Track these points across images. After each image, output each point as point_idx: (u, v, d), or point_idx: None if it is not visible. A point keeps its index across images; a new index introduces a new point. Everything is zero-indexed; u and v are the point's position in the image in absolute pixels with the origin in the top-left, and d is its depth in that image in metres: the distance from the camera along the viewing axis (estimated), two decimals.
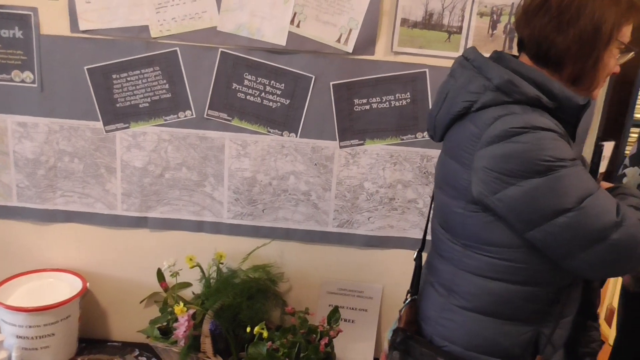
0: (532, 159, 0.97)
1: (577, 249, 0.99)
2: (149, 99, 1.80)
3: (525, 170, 0.98)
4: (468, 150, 1.05)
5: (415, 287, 1.31)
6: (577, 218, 0.97)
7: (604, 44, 1.03)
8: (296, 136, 1.81)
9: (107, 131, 1.83)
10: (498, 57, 1.12)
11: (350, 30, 1.72)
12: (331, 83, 1.76)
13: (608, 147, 1.15)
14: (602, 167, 1.15)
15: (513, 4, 1.68)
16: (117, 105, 1.80)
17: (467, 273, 1.11)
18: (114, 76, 1.78)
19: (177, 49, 1.75)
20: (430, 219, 1.30)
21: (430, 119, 1.20)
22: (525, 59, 1.10)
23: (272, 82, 1.77)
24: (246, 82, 1.77)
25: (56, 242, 1.94)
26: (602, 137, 1.33)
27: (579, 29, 1.01)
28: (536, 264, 1.05)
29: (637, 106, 2.05)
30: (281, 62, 1.75)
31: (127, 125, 1.82)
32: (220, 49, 1.74)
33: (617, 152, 1.66)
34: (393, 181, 1.85)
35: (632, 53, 1.08)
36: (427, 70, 1.75)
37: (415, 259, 1.33)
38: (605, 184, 1.16)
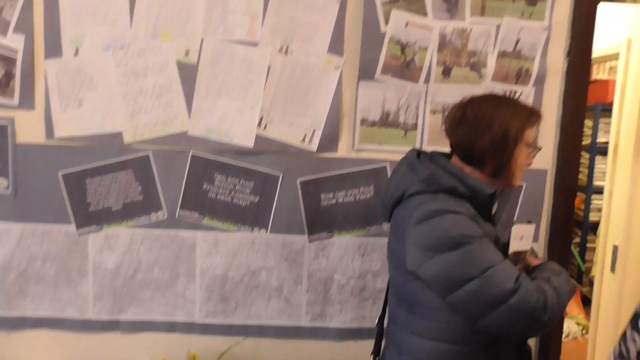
0: (445, 236, 1.22)
1: (485, 311, 1.20)
2: (121, 202, 1.85)
3: (441, 246, 1.22)
4: (403, 229, 1.31)
5: (377, 349, 1.55)
6: (482, 285, 1.19)
7: (513, 145, 1.30)
8: (266, 232, 1.86)
9: (80, 234, 1.86)
10: (431, 156, 1.42)
11: (314, 130, 1.83)
12: (298, 180, 1.85)
13: (521, 228, 1.34)
14: (516, 247, 1.34)
15: None
16: (90, 208, 1.85)
17: (411, 334, 1.33)
18: (87, 180, 1.84)
19: (150, 153, 1.83)
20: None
21: (382, 204, 1.46)
22: (456, 157, 1.39)
23: (242, 181, 1.85)
24: (217, 182, 1.84)
25: (24, 351, 1.89)
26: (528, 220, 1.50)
27: (491, 135, 1.29)
28: (460, 324, 1.26)
29: None
30: (250, 162, 1.84)
31: (100, 227, 1.86)
32: (191, 152, 1.83)
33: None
34: (362, 271, 1.89)
35: (538, 150, 1.38)
36: (387, 164, 1.85)
37: (377, 324, 1.56)
38: (535, 261, 1.39)
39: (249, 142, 1.82)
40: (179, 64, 1.79)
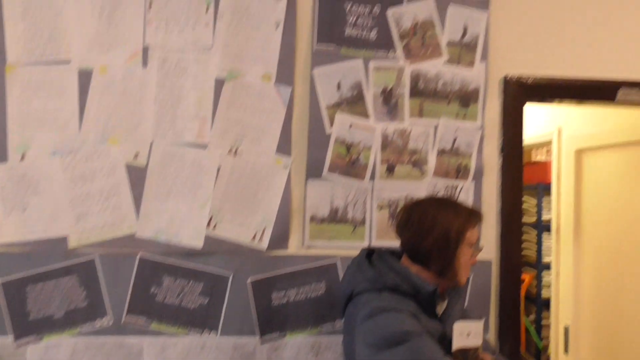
0: (387, 333, 1.27)
1: None
2: (64, 309, 1.77)
3: (384, 343, 1.26)
4: (352, 327, 1.36)
5: None
6: None
7: (455, 246, 1.38)
8: (217, 335, 1.81)
9: (17, 346, 1.75)
10: (380, 255, 1.49)
11: (264, 228, 1.85)
12: (249, 279, 1.83)
13: (465, 325, 1.38)
14: (461, 343, 1.37)
15: (406, 196, 1.90)
16: (30, 318, 1.76)
17: None
18: (28, 288, 1.76)
19: (96, 257, 1.79)
20: None
21: (339, 301, 1.52)
22: (405, 257, 1.47)
23: (191, 282, 1.82)
24: (165, 285, 1.81)
25: None
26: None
27: (433, 236, 1.38)
28: None
29: None
30: (199, 263, 1.82)
31: (39, 337, 1.76)
32: (138, 255, 1.80)
33: None
34: None
35: (480, 249, 1.47)
36: (338, 260, 1.87)
37: None
38: (488, 357, 1.43)
39: (198, 243, 1.81)
40: (128, 167, 1.80)
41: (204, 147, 1.82)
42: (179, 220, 1.81)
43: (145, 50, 1.80)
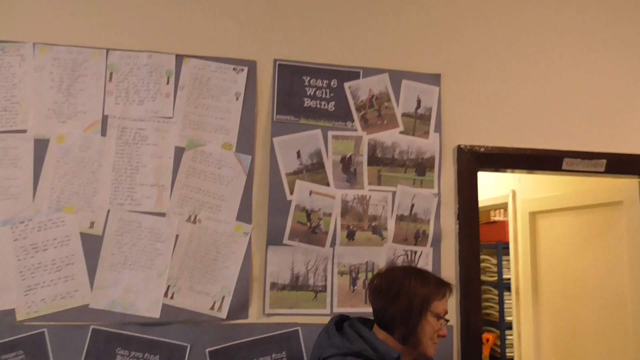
0: None
1: None
2: None
3: None
4: None
5: None
6: None
7: (418, 315, 1.40)
8: None
9: None
10: (350, 322, 1.51)
11: (224, 297, 1.82)
12: (207, 350, 1.78)
13: None
14: None
15: (367, 262, 1.91)
16: None
17: None
18: None
19: (45, 330, 1.71)
20: None
21: None
22: (375, 324, 1.48)
23: (147, 354, 1.75)
24: (119, 358, 1.73)
25: None
26: None
27: (398, 304, 1.40)
28: None
29: None
30: (155, 334, 1.76)
31: None
32: (91, 326, 1.73)
33: None
34: None
35: (447, 321, 1.45)
36: (299, 328, 1.84)
37: None
38: None
39: (155, 313, 1.76)
40: (83, 236, 1.76)
41: (163, 215, 1.81)
42: (135, 289, 1.77)
43: (104, 120, 1.81)
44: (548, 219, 2.80)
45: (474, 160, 1.99)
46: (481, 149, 2.01)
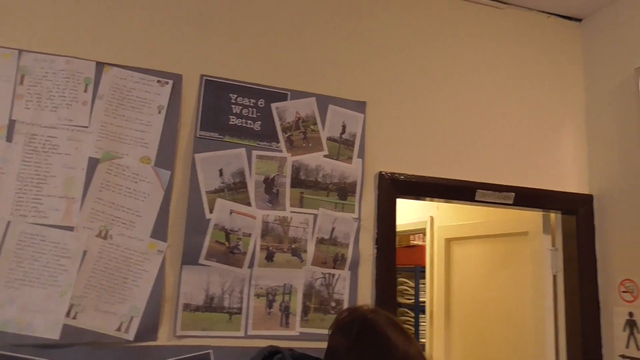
0: None
1: None
2: None
3: None
4: None
5: None
6: None
7: None
8: None
9: None
10: (282, 356, 1.36)
11: (132, 317, 1.73)
12: None
13: None
14: None
15: (285, 284, 1.90)
16: None
17: None
18: None
19: None
20: None
21: None
22: None
23: None
24: None
25: None
26: None
27: (366, 353, 1.21)
28: None
29: None
30: (54, 357, 1.64)
31: None
32: None
33: None
34: None
35: None
36: (211, 351, 1.79)
37: None
38: None
39: (54, 334, 1.64)
40: None
41: (70, 229, 1.70)
42: (33, 308, 1.64)
43: (11, 125, 1.69)
44: (462, 246, 2.93)
45: (394, 187, 2.05)
46: (401, 177, 2.07)
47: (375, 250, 2.02)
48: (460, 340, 2.88)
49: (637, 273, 2.05)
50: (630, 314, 2.07)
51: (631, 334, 2.05)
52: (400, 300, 4.46)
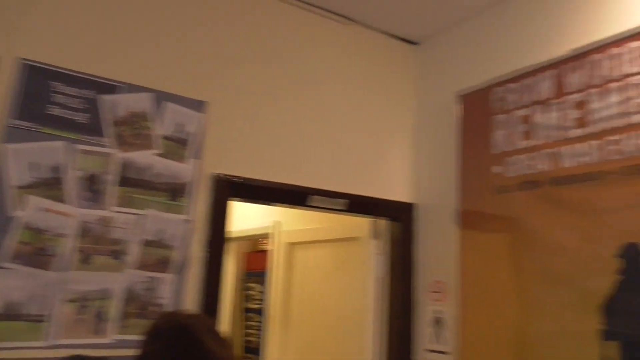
0: None
1: None
2: None
3: None
4: None
5: None
6: None
7: None
8: None
9: None
10: None
11: None
12: None
13: None
14: None
15: (101, 289, 1.78)
16: None
17: None
18: None
19: None
20: None
21: None
22: None
23: None
24: None
25: None
26: None
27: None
28: None
29: None
30: None
31: None
32: None
33: None
34: None
35: None
36: None
37: None
38: None
39: None
40: None
41: None
42: None
43: None
44: (304, 250, 3.02)
45: (228, 190, 2.04)
46: (236, 179, 2.07)
47: (206, 254, 1.98)
48: (295, 342, 2.95)
49: (446, 275, 2.28)
50: (438, 312, 2.29)
51: (437, 329, 2.27)
52: (249, 305, 4.46)
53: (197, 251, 1.98)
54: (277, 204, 2.23)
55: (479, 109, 2.24)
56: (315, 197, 2.23)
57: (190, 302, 1.93)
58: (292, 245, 3.09)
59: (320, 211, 2.31)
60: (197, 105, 2.06)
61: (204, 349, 1.22)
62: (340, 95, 2.44)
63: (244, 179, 2.10)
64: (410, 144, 2.60)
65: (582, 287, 1.78)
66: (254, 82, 2.22)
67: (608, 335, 1.70)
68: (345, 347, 2.60)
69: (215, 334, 1.29)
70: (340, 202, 2.30)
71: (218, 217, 2.02)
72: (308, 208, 2.26)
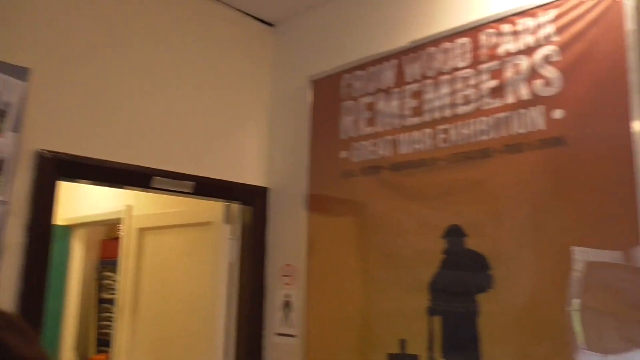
0: None
1: None
2: None
3: None
4: None
5: None
6: None
7: None
8: None
9: None
10: None
11: None
12: None
13: None
14: None
15: None
16: None
17: None
18: None
19: None
20: None
21: None
22: None
23: None
24: None
25: None
26: None
27: None
28: None
29: None
30: None
31: None
32: None
33: None
34: None
35: None
36: None
37: None
38: None
39: None
40: None
41: None
42: None
43: None
44: (155, 236, 2.87)
45: (55, 169, 1.84)
46: (65, 157, 1.87)
47: (26, 240, 1.77)
48: (145, 332, 2.80)
49: (296, 259, 2.29)
50: (287, 296, 2.30)
51: (286, 313, 2.29)
52: (104, 295, 4.18)
53: (15, 237, 1.76)
54: (116, 185, 2.07)
55: (329, 95, 2.27)
56: (160, 178, 2.10)
57: (7, 293, 1.71)
58: (143, 230, 2.92)
59: (166, 194, 2.19)
60: (18, 72, 1.81)
61: (2, 347, 1.09)
62: (192, 74, 2.32)
63: (75, 156, 1.90)
64: (264, 128, 2.57)
65: (416, 268, 1.89)
66: (89, 50, 2.01)
67: (432, 311, 1.82)
68: (196, 334, 2.51)
69: (19, 330, 1.15)
70: (188, 185, 2.20)
71: (42, 198, 1.82)
72: (152, 190, 2.13)
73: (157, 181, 2.10)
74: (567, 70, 1.62)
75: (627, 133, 1.48)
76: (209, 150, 2.34)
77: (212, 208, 2.52)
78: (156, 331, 2.75)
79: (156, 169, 2.11)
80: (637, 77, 1.50)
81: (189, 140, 2.27)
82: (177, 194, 2.20)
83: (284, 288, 2.33)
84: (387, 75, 2.09)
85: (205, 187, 2.27)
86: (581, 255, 1.53)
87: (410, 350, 1.86)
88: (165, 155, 2.16)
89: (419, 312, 1.85)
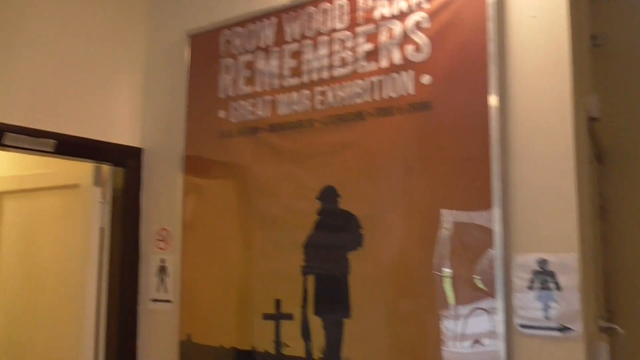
0: None
1: None
2: None
3: None
4: None
5: None
6: None
7: None
8: None
9: None
10: None
11: None
12: None
13: None
14: None
15: None
16: None
17: None
18: None
19: None
20: None
21: None
22: None
23: None
24: None
25: None
26: None
27: None
28: None
29: None
30: None
31: None
32: None
33: None
34: None
35: None
36: None
37: None
38: None
39: None
40: None
41: None
42: None
43: None
44: (16, 200, 2.60)
45: None
46: None
47: None
48: (7, 306, 2.56)
49: (171, 223, 2.20)
50: (162, 261, 2.22)
51: (162, 278, 2.21)
52: None
53: None
54: None
55: (208, 52, 2.17)
56: (12, 134, 1.89)
57: None
58: (1, 194, 2.63)
59: (21, 152, 1.98)
60: None
61: None
62: (53, 21, 2.09)
63: None
64: (139, 84, 2.40)
65: (292, 229, 1.90)
66: None
67: (306, 270, 1.85)
68: (65, 304, 2.35)
69: None
70: (49, 143, 2.00)
71: None
72: (4, 148, 1.91)
73: (9, 138, 1.88)
74: (435, 38, 1.68)
75: (484, 102, 1.58)
76: (74, 106, 2.14)
77: (80, 170, 2.33)
78: (21, 305, 2.52)
79: (9, 124, 1.89)
80: (495, 48, 1.59)
81: (50, 95, 2.05)
82: (36, 152, 2.00)
83: (159, 253, 2.24)
84: (267, 33, 2.03)
85: (69, 147, 2.09)
86: (447, 216, 1.63)
87: (285, 309, 1.89)
88: (23, 111, 1.94)
89: (294, 272, 1.87)
